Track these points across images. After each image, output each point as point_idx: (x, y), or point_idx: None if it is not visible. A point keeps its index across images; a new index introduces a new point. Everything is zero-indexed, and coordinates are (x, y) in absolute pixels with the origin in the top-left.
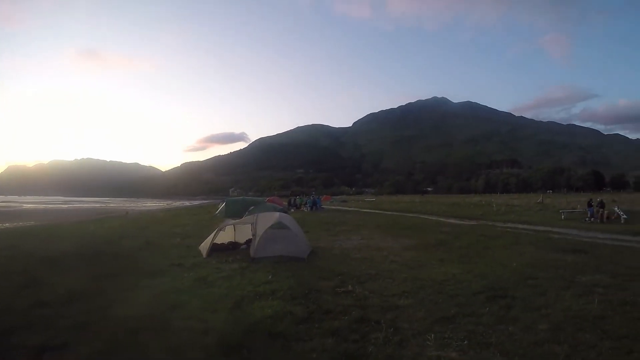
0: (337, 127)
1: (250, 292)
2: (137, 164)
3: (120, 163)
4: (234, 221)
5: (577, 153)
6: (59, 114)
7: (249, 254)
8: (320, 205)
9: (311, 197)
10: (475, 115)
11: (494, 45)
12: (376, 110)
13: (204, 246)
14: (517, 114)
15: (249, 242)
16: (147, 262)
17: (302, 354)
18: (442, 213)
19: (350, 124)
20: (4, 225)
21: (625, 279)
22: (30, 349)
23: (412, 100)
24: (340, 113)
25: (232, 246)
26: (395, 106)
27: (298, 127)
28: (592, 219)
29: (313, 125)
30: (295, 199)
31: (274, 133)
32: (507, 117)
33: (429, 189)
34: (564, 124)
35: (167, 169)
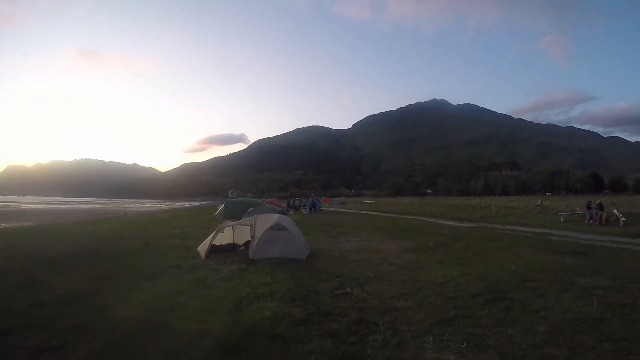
0: (336, 128)
1: (249, 294)
2: (136, 165)
3: (119, 164)
4: (232, 223)
5: (576, 155)
6: (58, 114)
7: (247, 255)
8: (319, 207)
9: (310, 199)
10: (474, 118)
11: (493, 47)
12: (375, 112)
13: (203, 247)
14: (516, 116)
15: (247, 243)
16: (146, 263)
17: (301, 356)
18: (441, 215)
19: (349, 126)
20: (3, 225)
21: (624, 281)
22: (29, 349)
23: (412, 102)
24: (340, 115)
25: (231, 247)
26: (395, 108)
27: (297, 128)
28: (591, 222)
29: (312, 127)
30: (294, 201)
31: (273, 134)
32: (506, 119)
33: (428, 191)
34: (563, 126)
35: (166, 170)
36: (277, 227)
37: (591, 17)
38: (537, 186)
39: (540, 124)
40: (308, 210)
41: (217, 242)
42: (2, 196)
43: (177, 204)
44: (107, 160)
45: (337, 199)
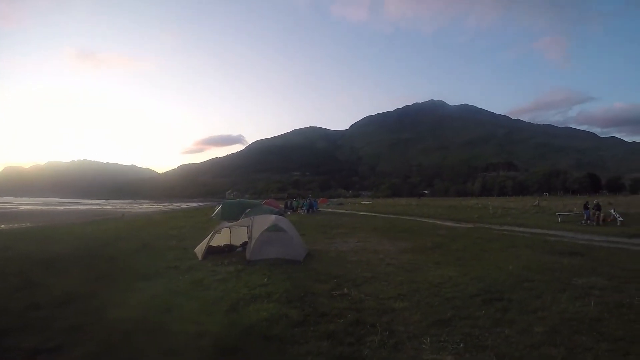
0: (334, 129)
1: (246, 295)
2: (133, 166)
3: (117, 165)
4: (230, 224)
5: (574, 156)
6: (56, 114)
7: (244, 256)
8: (317, 207)
9: (308, 200)
10: (472, 118)
11: (491, 48)
12: (373, 113)
13: (200, 249)
14: (513, 117)
15: (244, 244)
16: (143, 264)
17: (297, 357)
18: (438, 216)
19: (347, 127)
20: (0, 226)
21: (622, 281)
22: (26, 350)
23: (409, 103)
24: (337, 116)
25: (228, 249)
26: (392, 109)
27: (295, 129)
28: (588, 222)
29: (310, 128)
30: (291, 202)
31: (271, 135)
32: (503, 120)
33: (426, 191)
34: (561, 126)
35: (164, 171)
36: (274, 228)
37: (589, 18)
38: (534, 187)
39: (537, 125)
40: (305, 211)
41: (214, 243)
42: None
43: (174, 205)
44: (104, 162)
45: (334, 199)
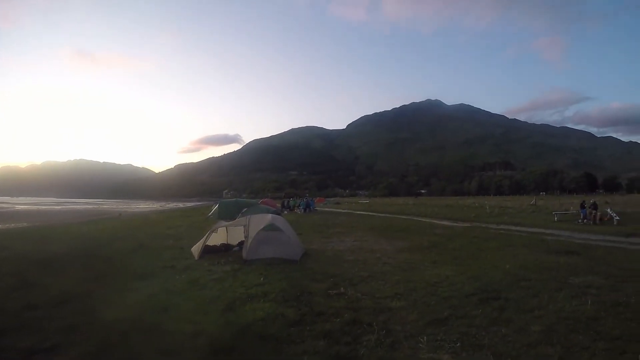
0: (331, 129)
1: (242, 295)
2: (130, 165)
3: (113, 164)
4: (226, 223)
5: (570, 155)
6: (53, 114)
7: (241, 256)
8: (314, 207)
9: (305, 199)
10: (469, 118)
11: (488, 48)
12: (370, 113)
13: (197, 248)
14: (510, 117)
15: (241, 244)
16: (139, 264)
17: (293, 357)
18: (435, 215)
19: (344, 126)
20: None
21: (618, 280)
22: (22, 350)
23: (406, 103)
24: (334, 115)
25: (225, 248)
26: (389, 108)
27: (292, 129)
28: (584, 221)
29: (307, 127)
30: (288, 201)
31: (268, 135)
32: (500, 119)
33: (423, 191)
34: (557, 126)
35: (160, 171)
36: (271, 228)
37: (586, 19)
38: (531, 186)
39: (534, 124)
40: (302, 210)
41: (210, 242)
42: None
43: (171, 205)
44: (101, 161)
45: (331, 199)
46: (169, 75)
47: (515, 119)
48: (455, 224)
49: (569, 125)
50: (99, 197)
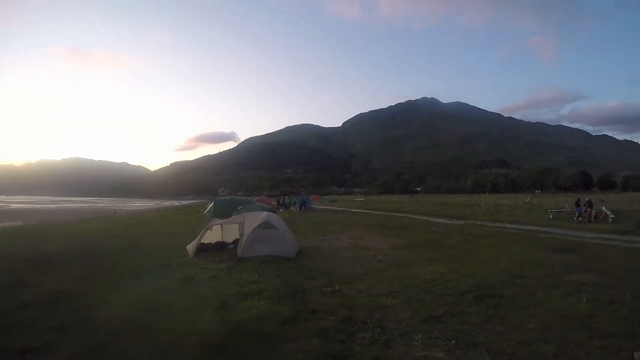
0: (326, 127)
1: (237, 292)
2: (126, 164)
3: (109, 162)
4: (221, 221)
5: (566, 153)
6: (47, 112)
7: (236, 253)
8: (309, 205)
9: (300, 197)
10: (464, 116)
11: (484, 46)
12: (366, 110)
13: (191, 246)
14: (506, 115)
15: (236, 241)
16: (134, 262)
17: (287, 355)
18: (431, 213)
19: (339, 124)
20: None
21: (613, 277)
22: (13, 351)
23: (402, 101)
24: (330, 113)
25: (220, 246)
26: (385, 106)
27: (287, 126)
28: (579, 219)
29: (302, 125)
30: (284, 199)
31: (264, 133)
32: (496, 117)
33: (418, 188)
34: (553, 124)
35: (156, 169)
36: (266, 225)
37: (581, 18)
38: (526, 184)
39: (530, 122)
40: (298, 208)
41: (205, 240)
42: None
43: (167, 203)
44: (96, 159)
45: (327, 197)
46: (164, 72)
47: (510, 117)
48: (450, 222)
49: (565, 124)
50: (95, 195)
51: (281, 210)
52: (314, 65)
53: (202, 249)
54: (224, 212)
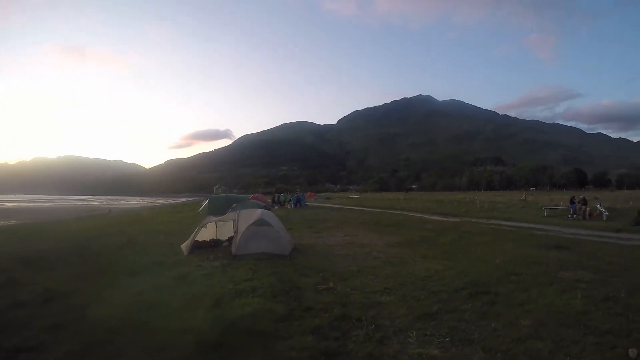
0: (321, 124)
1: (231, 290)
2: (120, 161)
3: (103, 160)
4: (215, 218)
5: (561, 151)
6: (42, 110)
7: (230, 251)
8: (305, 202)
9: (295, 194)
10: (459, 114)
11: (479, 44)
12: (361, 108)
13: (186, 244)
14: (501, 113)
15: (231, 239)
16: (128, 260)
17: (281, 352)
18: (426, 210)
19: (335, 121)
20: None
21: (608, 274)
22: (7, 350)
23: (397, 98)
24: (325, 110)
25: (214, 243)
26: (380, 104)
27: (283, 124)
28: (574, 216)
29: (298, 123)
30: (279, 196)
31: (259, 130)
32: (491, 115)
33: (413, 186)
34: (548, 122)
35: (151, 167)
36: (260, 223)
37: (577, 17)
38: (521, 181)
39: (525, 120)
40: (293, 205)
41: (200, 238)
42: None
43: (162, 201)
44: (91, 157)
45: (322, 194)
46: (159, 70)
47: (506, 114)
48: (445, 219)
49: (560, 122)
50: (89, 193)
51: (276, 207)
52: (309, 63)
53: (197, 246)
54: (218, 209)
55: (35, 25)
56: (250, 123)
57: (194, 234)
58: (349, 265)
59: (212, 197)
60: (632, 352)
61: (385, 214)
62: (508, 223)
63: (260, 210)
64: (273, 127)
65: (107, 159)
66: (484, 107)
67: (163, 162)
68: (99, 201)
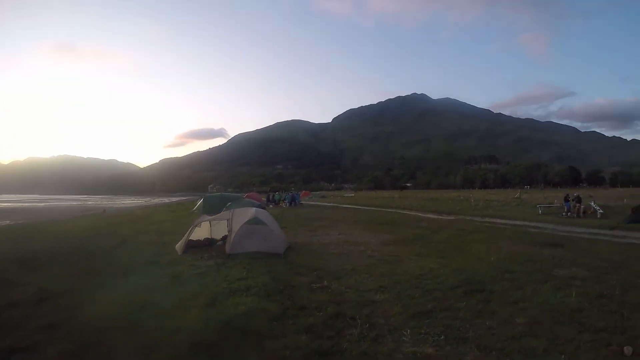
0: (316, 122)
1: (225, 289)
2: (115, 161)
3: (98, 160)
4: (209, 217)
5: (555, 149)
6: (35, 109)
7: (225, 250)
8: (299, 201)
9: (290, 193)
10: (454, 112)
11: (474, 42)
12: (355, 106)
13: (180, 243)
14: (495, 111)
15: (225, 238)
16: (122, 260)
17: (275, 351)
18: (420, 208)
19: (329, 120)
20: None
21: (602, 272)
22: (0, 351)
23: (392, 97)
24: (320, 109)
25: (208, 242)
26: (375, 102)
27: (277, 122)
28: (569, 214)
29: (292, 121)
30: (273, 195)
31: (253, 129)
32: (486, 113)
33: (408, 184)
34: (542, 121)
35: (145, 166)
36: (254, 221)
37: (571, 15)
38: (515, 179)
39: (519, 119)
40: (288, 204)
41: (194, 237)
42: None
43: (156, 200)
44: (85, 157)
45: (317, 192)
46: (153, 69)
47: (500, 113)
48: (440, 217)
49: (554, 120)
50: (84, 193)
51: (271, 206)
52: (303, 61)
53: (191, 245)
54: (213, 208)
55: (28, 23)
56: (245, 122)
57: (188, 233)
58: (344, 263)
59: (207, 196)
60: (628, 349)
61: (380, 212)
62: (502, 221)
63: (254, 209)
64: (268, 125)
65: (101, 158)
66: (479, 106)
67: (157, 162)
68: (93, 201)
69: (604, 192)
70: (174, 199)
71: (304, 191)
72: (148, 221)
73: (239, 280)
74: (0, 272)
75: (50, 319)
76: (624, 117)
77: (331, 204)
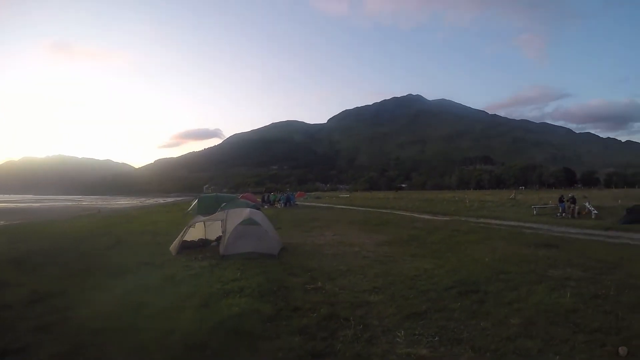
0: (312, 123)
1: (219, 290)
2: (110, 161)
3: (92, 160)
4: (204, 218)
5: (550, 150)
6: (30, 109)
7: (219, 251)
8: (294, 201)
9: (285, 194)
10: (449, 113)
11: (469, 44)
12: (351, 107)
13: (174, 244)
14: (490, 112)
15: (219, 239)
16: (116, 260)
17: (268, 353)
18: (415, 209)
19: (325, 121)
20: None
21: (597, 272)
22: None
23: (387, 97)
24: (315, 109)
25: (203, 243)
26: (370, 103)
27: (273, 123)
28: (563, 215)
29: (288, 122)
30: (269, 196)
31: (249, 129)
32: (481, 114)
33: (403, 185)
34: (537, 122)
35: (140, 166)
36: (249, 222)
37: (567, 17)
38: (510, 180)
39: (514, 120)
40: (283, 205)
41: (188, 237)
42: None
43: (151, 200)
44: (80, 157)
45: (312, 193)
46: (148, 69)
47: (495, 114)
48: (435, 218)
49: (549, 121)
50: (79, 193)
51: (266, 207)
52: (299, 62)
53: (185, 246)
54: (208, 209)
55: (22, 22)
56: (240, 122)
57: (182, 233)
58: (338, 264)
59: (202, 196)
60: (623, 350)
61: (375, 213)
62: (497, 222)
63: (248, 209)
64: (263, 126)
65: (96, 158)
66: (474, 107)
67: (152, 162)
68: (88, 201)
69: (598, 193)
70: (169, 200)
71: (299, 192)
72: (142, 222)
73: (232, 281)
74: None
75: (44, 320)
76: (619, 119)
77: (326, 205)
